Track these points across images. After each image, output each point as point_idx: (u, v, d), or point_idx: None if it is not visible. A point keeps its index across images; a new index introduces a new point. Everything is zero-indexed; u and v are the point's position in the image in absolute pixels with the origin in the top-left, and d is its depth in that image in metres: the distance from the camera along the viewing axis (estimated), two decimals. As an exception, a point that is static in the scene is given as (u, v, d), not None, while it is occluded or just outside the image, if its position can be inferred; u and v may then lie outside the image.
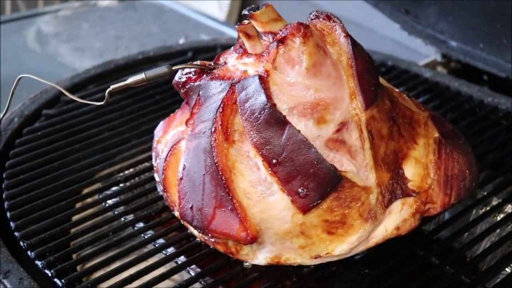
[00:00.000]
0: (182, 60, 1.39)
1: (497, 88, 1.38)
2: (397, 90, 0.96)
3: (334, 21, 0.88)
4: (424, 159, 0.91)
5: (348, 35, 0.87)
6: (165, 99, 1.29)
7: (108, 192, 1.06)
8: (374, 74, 0.89)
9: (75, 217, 1.00)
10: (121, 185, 1.08)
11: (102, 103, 0.90)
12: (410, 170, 0.90)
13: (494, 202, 1.07)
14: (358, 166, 0.86)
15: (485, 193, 1.06)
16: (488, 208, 1.06)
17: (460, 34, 1.40)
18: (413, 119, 0.93)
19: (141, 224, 1.00)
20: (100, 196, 1.05)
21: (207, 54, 1.43)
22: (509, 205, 1.06)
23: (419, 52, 1.71)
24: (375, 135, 0.87)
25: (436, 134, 0.93)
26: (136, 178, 1.10)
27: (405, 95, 0.97)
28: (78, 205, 1.04)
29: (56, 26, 1.99)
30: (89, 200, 1.05)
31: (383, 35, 1.98)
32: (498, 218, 1.05)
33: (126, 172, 1.11)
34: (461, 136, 0.98)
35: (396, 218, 0.89)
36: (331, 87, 0.85)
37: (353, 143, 0.85)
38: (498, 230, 1.03)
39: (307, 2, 2.08)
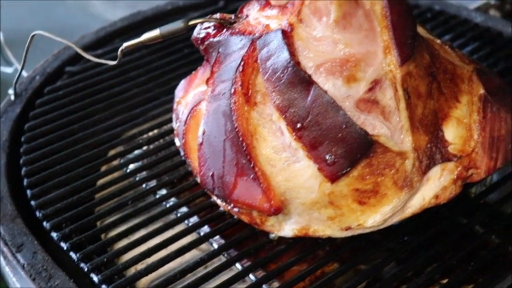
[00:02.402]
0: (212, 10, 1.31)
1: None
2: (439, 41, 0.86)
3: (366, -33, 0.79)
4: (467, 119, 0.82)
5: (381, -19, 0.78)
6: (194, 53, 1.21)
7: (130, 156, 1.00)
8: (411, 25, 0.79)
9: (95, 185, 0.95)
10: (144, 148, 1.02)
11: (114, 62, 0.84)
12: (451, 132, 0.81)
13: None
14: (392, 129, 0.77)
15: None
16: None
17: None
18: (456, 74, 0.84)
19: (163, 191, 0.94)
20: (122, 161, 0.99)
21: (241, 3, 1.34)
22: None
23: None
24: (412, 93, 0.78)
25: (481, 91, 0.84)
26: (161, 140, 1.04)
27: (447, 46, 0.87)
28: (101, 169, 0.99)
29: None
30: (110, 165, 0.99)
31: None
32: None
33: (150, 134, 1.04)
34: (511, 92, 0.88)
35: (435, 186, 0.81)
36: (363, 40, 0.77)
37: (386, 103, 0.77)
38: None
39: None
